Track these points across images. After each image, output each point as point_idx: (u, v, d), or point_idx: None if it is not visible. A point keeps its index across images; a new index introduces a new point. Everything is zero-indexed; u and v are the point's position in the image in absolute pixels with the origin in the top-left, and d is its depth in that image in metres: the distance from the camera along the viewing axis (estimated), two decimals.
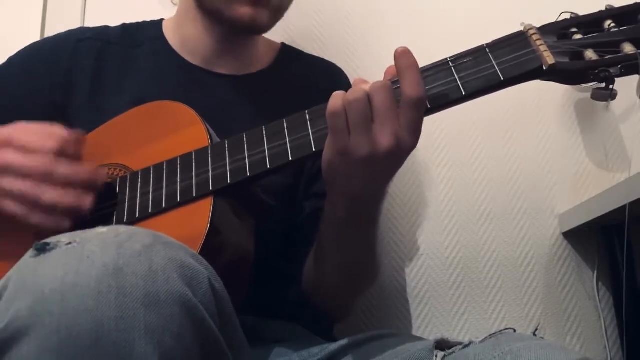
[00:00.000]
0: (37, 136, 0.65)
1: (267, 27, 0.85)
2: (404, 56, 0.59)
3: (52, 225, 0.63)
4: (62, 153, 0.64)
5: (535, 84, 0.67)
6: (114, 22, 0.96)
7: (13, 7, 1.25)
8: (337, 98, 0.60)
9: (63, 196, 0.63)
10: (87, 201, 0.65)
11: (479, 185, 1.12)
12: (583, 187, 1.11)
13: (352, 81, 0.98)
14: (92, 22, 1.18)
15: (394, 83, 0.60)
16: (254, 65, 0.92)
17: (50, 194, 0.63)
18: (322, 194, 0.73)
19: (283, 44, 1.00)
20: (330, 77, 0.98)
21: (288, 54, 0.99)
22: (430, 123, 1.13)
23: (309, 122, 0.64)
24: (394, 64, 0.62)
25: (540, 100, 1.16)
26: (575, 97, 1.16)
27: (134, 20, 0.97)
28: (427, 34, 1.18)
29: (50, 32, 1.16)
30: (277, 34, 0.90)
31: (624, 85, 0.65)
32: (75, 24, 1.19)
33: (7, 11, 1.24)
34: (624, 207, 0.81)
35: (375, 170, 0.61)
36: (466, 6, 1.21)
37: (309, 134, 0.64)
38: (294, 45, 1.02)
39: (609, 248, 1.05)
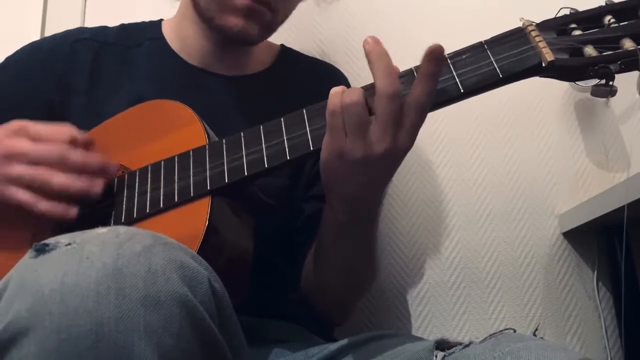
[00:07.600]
0: (51, 127, 0.66)
1: (257, 40, 0.85)
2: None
3: (60, 213, 0.64)
4: (74, 143, 0.66)
5: (536, 84, 0.66)
6: (114, 21, 0.96)
7: (13, 7, 1.25)
8: (336, 97, 0.60)
9: (74, 180, 0.64)
10: (97, 186, 0.65)
11: (479, 185, 1.12)
12: (583, 187, 1.11)
13: (350, 82, 0.99)
14: (92, 21, 1.19)
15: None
16: (253, 66, 0.92)
17: (61, 178, 0.63)
18: (321, 196, 0.73)
19: (282, 46, 0.99)
20: (330, 78, 0.97)
21: (287, 55, 0.98)
22: (431, 123, 1.13)
23: (306, 121, 0.64)
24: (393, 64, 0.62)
25: (541, 100, 1.16)
26: (576, 97, 1.16)
27: (133, 20, 0.96)
28: (427, 33, 1.18)
29: (50, 32, 1.16)
30: (277, 34, 0.90)
31: (624, 84, 0.65)
32: (75, 24, 1.19)
33: (7, 11, 1.24)
34: (623, 207, 0.81)
35: (372, 172, 0.61)
36: (465, 3, 1.21)
37: (307, 132, 0.64)
38: (295, 45, 1.02)
39: (609, 248, 1.05)
